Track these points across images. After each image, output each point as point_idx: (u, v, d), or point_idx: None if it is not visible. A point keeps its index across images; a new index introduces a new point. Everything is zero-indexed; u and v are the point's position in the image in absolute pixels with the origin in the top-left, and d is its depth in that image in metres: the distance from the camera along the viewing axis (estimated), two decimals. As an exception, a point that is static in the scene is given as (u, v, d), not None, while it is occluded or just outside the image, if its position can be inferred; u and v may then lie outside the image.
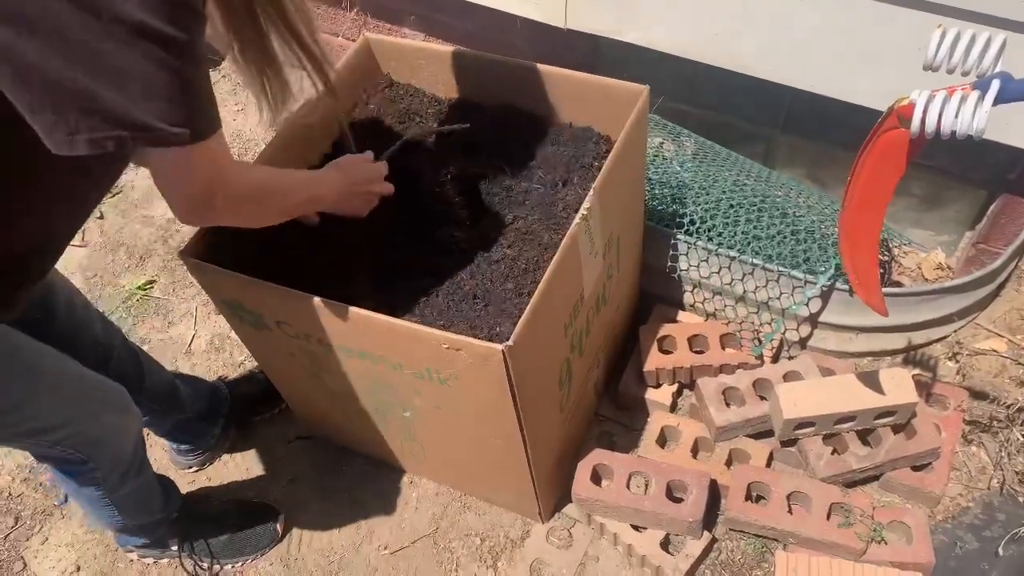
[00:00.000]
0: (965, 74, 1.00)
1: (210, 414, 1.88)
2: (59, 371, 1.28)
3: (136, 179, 2.61)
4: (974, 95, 0.94)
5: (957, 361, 1.89)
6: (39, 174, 1.01)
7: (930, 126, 0.97)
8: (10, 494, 1.94)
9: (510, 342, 1.19)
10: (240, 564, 1.76)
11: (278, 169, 1.34)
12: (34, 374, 1.22)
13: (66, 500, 1.92)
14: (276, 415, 1.99)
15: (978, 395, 1.82)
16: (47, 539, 1.86)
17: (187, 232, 2.43)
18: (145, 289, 2.31)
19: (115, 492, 1.48)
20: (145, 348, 2.14)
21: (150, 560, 1.78)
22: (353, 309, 1.28)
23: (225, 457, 1.95)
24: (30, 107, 0.86)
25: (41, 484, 1.95)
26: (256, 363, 2.07)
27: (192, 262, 1.38)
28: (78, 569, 1.81)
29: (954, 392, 1.79)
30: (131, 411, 1.44)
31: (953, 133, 0.96)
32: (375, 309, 1.29)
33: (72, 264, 2.37)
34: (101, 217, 2.51)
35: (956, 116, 0.94)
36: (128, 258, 2.39)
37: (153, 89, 0.86)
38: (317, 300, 1.29)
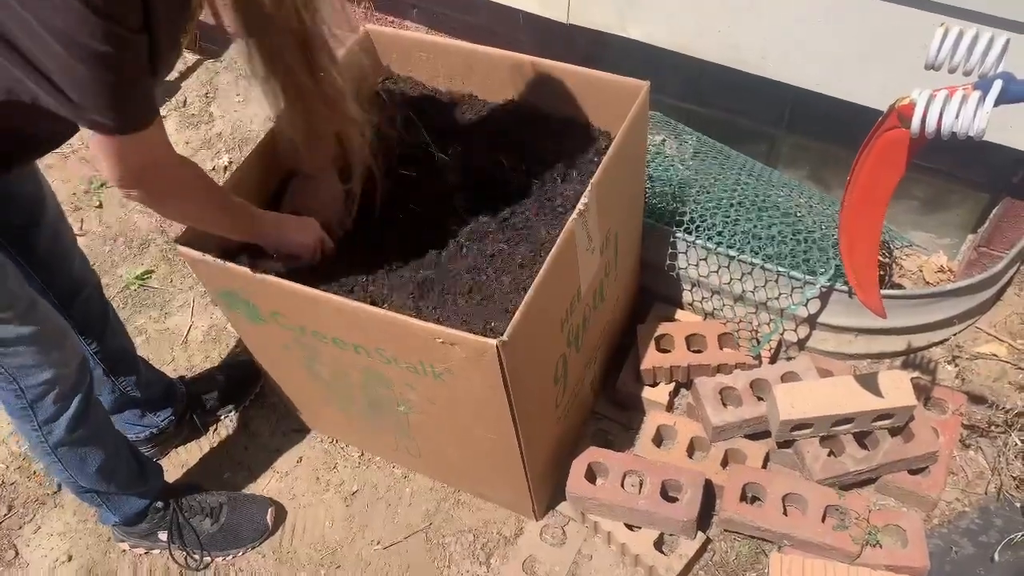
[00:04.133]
0: (967, 74, 0.99)
1: (162, 404, 1.87)
2: (2, 274, 1.30)
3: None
4: (975, 95, 0.93)
5: (957, 365, 1.88)
6: None
7: (930, 126, 0.95)
8: (3, 482, 1.94)
9: (504, 337, 1.18)
10: (231, 556, 1.75)
11: (211, 182, 1.33)
12: None
13: (59, 488, 1.91)
14: (232, 416, 2.00)
15: (977, 399, 1.81)
16: (39, 528, 1.86)
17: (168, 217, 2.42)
18: (143, 279, 2.30)
19: (52, 436, 1.47)
20: (142, 339, 2.15)
21: (141, 551, 1.77)
22: (348, 301, 1.27)
23: (217, 448, 1.94)
24: None
25: (35, 472, 1.95)
26: (224, 360, 2.11)
27: (188, 252, 1.38)
28: (69, 559, 1.81)
29: (953, 396, 1.78)
30: (68, 345, 1.43)
31: (953, 134, 0.95)
32: (370, 302, 1.28)
33: (70, 253, 2.37)
34: (100, 206, 2.51)
35: (957, 116, 0.93)
36: (126, 248, 2.39)
37: (85, 87, 0.94)
38: (312, 292, 1.29)
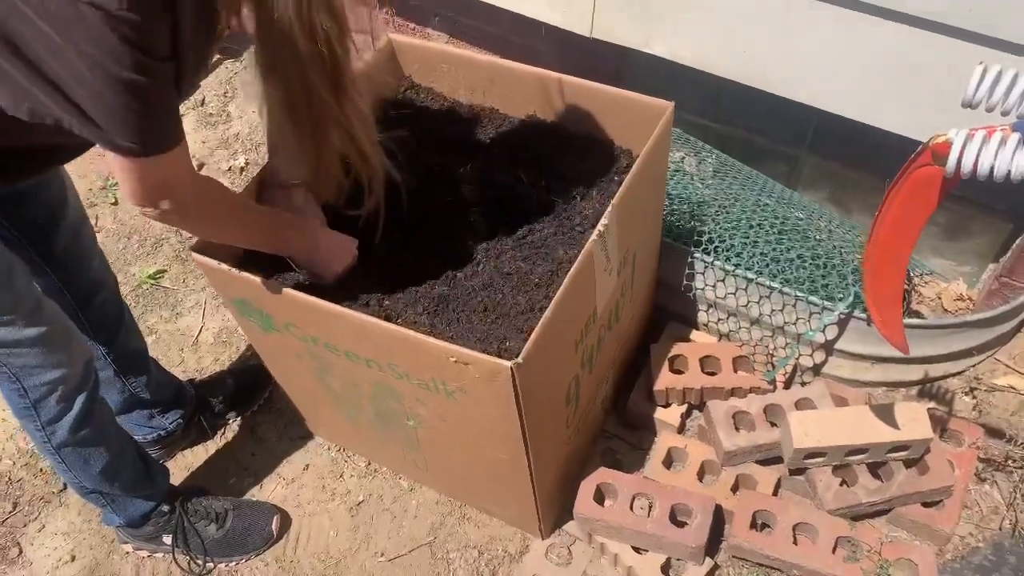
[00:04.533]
0: (1005, 114, 0.96)
1: (171, 406, 1.86)
2: (9, 274, 1.29)
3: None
4: (1014, 137, 0.91)
5: (974, 396, 1.85)
6: None
7: (966, 167, 0.93)
8: (10, 479, 1.93)
9: (519, 359, 1.16)
10: (234, 563, 1.75)
11: (241, 197, 1.34)
12: None
13: (65, 487, 1.91)
14: (240, 421, 1.99)
15: (994, 432, 1.78)
16: (44, 526, 1.85)
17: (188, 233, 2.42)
18: (155, 279, 2.30)
19: (56, 436, 1.46)
20: (152, 339, 2.14)
21: (144, 553, 1.76)
22: (362, 316, 1.26)
23: (224, 452, 1.94)
24: None
25: (41, 470, 1.94)
26: (235, 363, 2.10)
27: (202, 259, 1.37)
28: (73, 559, 1.80)
29: (970, 428, 1.75)
30: (73, 345, 1.43)
31: (990, 175, 0.93)
32: (384, 317, 1.27)
33: (84, 249, 2.36)
34: (115, 203, 2.51)
35: (995, 158, 0.91)
36: (140, 246, 2.39)
37: (112, 113, 0.94)
38: (327, 305, 1.27)
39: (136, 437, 1.83)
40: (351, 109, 1.16)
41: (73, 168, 2.61)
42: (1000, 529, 1.67)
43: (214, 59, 2.85)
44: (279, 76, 1.09)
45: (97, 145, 1.02)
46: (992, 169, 0.92)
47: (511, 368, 1.16)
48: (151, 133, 1.00)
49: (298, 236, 1.36)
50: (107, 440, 1.56)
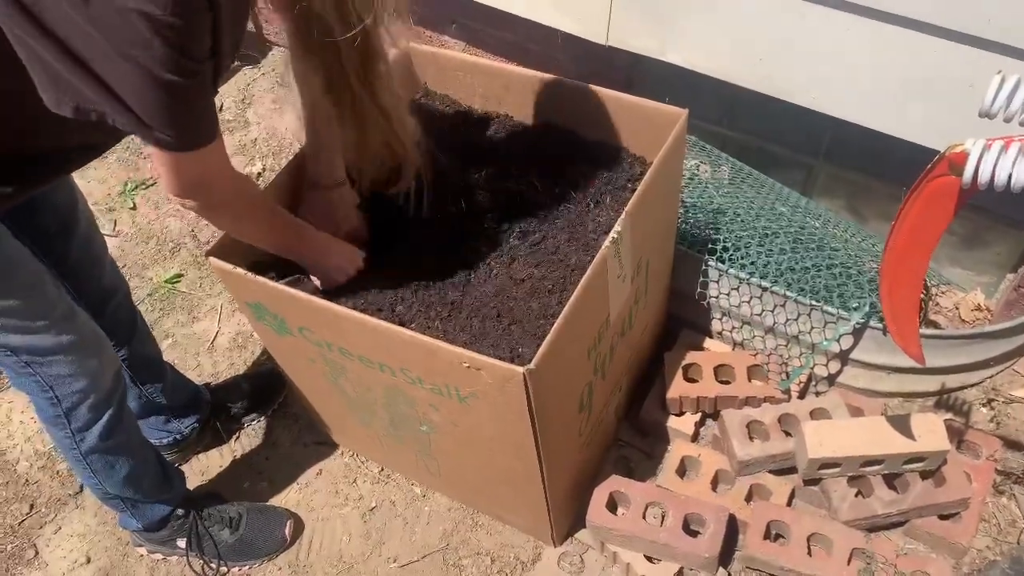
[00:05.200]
0: (1023, 124, 0.96)
1: (186, 411, 1.87)
2: (42, 283, 1.31)
3: (170, 171, 2.62)
4: (1032, 147, 0.90)
5: (992, 408, 1.83)
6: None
7: (983, 177, 0.93)
8: (27, 481, 1.95)
9: (532, 365, 1.16)
10: (247, 567, 1.75)
11: (265, 199, 1.37)
12: (13, 271, 1.26)
13: (81, 489, 1.92)
14: (255, 426, 2.00)
15: (1012, 444, 1.76)
16: (60, 528, 1.87)
17: (219, 231, 2.43)
18: (172, 283, 2.32)
19: (84, 443, 1.48)
20: (168, 342, 2.16)
21: (159, 557, 1.78)
22: (376, 321, 1.26)
23: (238, 457, 1.95)
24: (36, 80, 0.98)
25: (58, 472, 1.96)
26: (250, 367, 2.11)
27: (218, 263, 1.38)
28: (88, 560, 1.81)
29: (987, 440, 1.73)
30: (105, 354, 1.44)
31: (1007, 185, 0.92)
32: (397, 322, 1.27)
33: (102, 253, 2.39)
34: (134, 208, 2.53)
35: (1012, 169, 0.90)
36: (158, 251, 2.41)
37: (155, 111, 0.97)
38: (340, 310, 1.28)
39: (152, 441, 1.84)
40: (387, 96, 1.21)
41: (94, 173, 2.65)
42: (1018, 543, 1.65)
43: (233, 65, 2.87)
44: (318, 60, 1.14)
45: (139, 140, 1.06)
46: (1009, 180, 0.91)
47: (524, 374, 1.16)
48: (190, 129, 1.03)
49: (312, 243, 1.39)
50: (132, 446, 1.57)
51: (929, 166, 1.03)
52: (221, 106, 2.75)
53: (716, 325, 1.90)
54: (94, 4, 0.86)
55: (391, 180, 1.46)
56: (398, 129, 1.31)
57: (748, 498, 1.69)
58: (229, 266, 1.36)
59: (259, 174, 2.57)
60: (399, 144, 1.34)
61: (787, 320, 1.77)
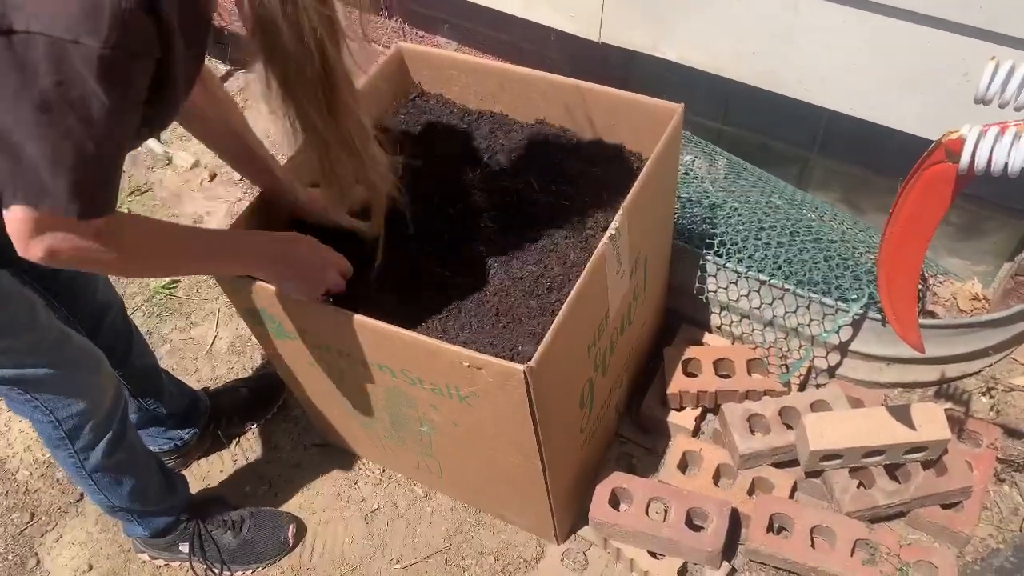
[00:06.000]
0: (1018, 109, 0.96)
1: (186, 418, 1.87)
2: (32, 312, 1.27)
3: (165, 177, 2.62)
4: (1028, 132, 0.90)
5: (991, 396, 1.84)
6: None
7: (980, 163, 0.93)
8: (27, 489, 1.94)
9: (532, 363, 1.16)
10: (250, 571, 1.75)
11: (176, 227, 1.23)
12: (3, 304, 1.22)
13: (81, 497, 1.92)
14: (254, 430, 1.99)
15: (1012, 433, 1.77)
16: (61, 536, 1.86)
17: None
18: (169, 289, 2.31)
19: (88, 462, 1.47)
20: (167, 348, 2.15)
21: (161, 562, 1.77)
22: (375, 322, 1.26)
23: (240, 462, 1.94)
24: None
25: (58, 480, 1.95)
26: (249, 372, 2.10)
27: (215, 268, 1.37)
28: (90, 568, 1.81)
29: (987, 429, 1.73)
30: (103, 373, 1.42)
31: (1004, 171, 0.92)
32: (397, 323, 1.27)
33: (98, 260, 2.38)
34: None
35: (1008, 154, 0.90)
36: (154, 256, 2.40)
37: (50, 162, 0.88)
38: (339, 312, 1.28)
39: (152, 449, 1.84)
40: (353, 128, 1.10)
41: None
42: (1020, 530, 1.65)
43: (225, 71, 2.87)
44: (277, 81, 1.02)
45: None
46: (1006, 165, 0.91)
47: (524, 372, 1.16)
48: (92, 192, 0.92)
49: (258, 246, 1.26)
50: (136, 460, 1.57)
51: (925, 153, 1.03)
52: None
53: (715, 319, 1.90)
54: None
55: (365, 213, 1.36)
56: (367, 163, 1.19)
57: (750, 491, 1.69)
58: (226, 269, 1.36)
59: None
60: (366, 179, 1.22)
61: (786, 313, 1.77)
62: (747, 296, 1.79)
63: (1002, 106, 0.97)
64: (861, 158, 1.99)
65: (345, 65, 1.03)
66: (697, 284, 1.83)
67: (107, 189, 0.95)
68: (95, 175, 0.92)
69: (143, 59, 0.88)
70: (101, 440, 1.46)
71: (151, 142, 2.66)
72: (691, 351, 1.84)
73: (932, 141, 1.03)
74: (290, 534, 1.76)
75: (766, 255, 1.78)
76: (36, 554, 1.84)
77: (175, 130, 2.76)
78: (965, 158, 0.94)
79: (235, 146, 1.42)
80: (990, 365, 1.88)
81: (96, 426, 1.44)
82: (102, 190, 0.94)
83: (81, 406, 1.39)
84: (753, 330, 1.85)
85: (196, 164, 2.64)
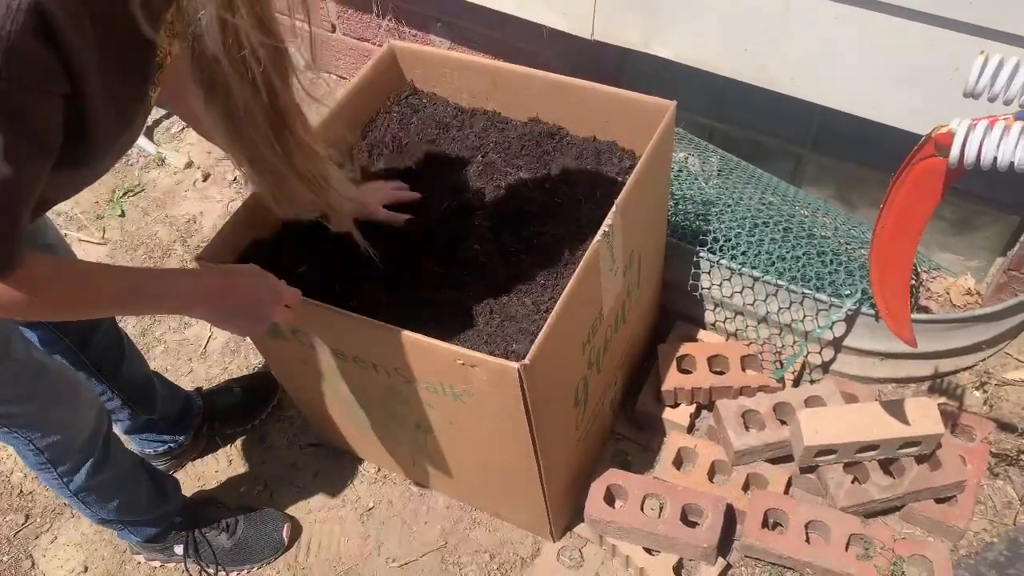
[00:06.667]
0: (1007, 103, 0.96)
1: (179, 421, 1.86)
2: (7, 347, 1.22)
3: (158, 178, 2.61)
4: (1017, 126, 0.90)
5: (985, 391, 1.84)
6: None
7: (970, 157, 0.93)
8: (21, 492, 1.94)
9: (526, 360, 1.16)
10: (246, 571, 1.74)
11: (91, 266, 1.13)
12: None
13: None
14: (248, 430, 1.98)
15: (1006, 427, 1.77)
16: (56, 538, 1.86)
17: (207, 233, 2.43)
18: (163, 289, 2.30)
19: (73, 483, 1.46)
20: (160, 349, 2.15)
21: (156, 564, 1.77)
22: (368, 321, 1.26)
23: (234, 462, 1.94)
24: None
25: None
26: (243, 372, 2.10)
27: (206, 267, 1.37)
28: (85, 569, 1.80)
29: (981, 423, 1.74)
30: (82, 400, 1.40)
31: (993, 164, 0.92)
32: (390, 321, 1.27)
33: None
34: (122, 215, 2.52)
35: (998, 147, 0.91)
36: (147, 258, 2.39)
37: None
38: (333, 310, 1.28)
39: (146, 451, 1.84)
40: (305, 161, 1.02)
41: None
42: (1014, 524, 1.66)
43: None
44: (222, 112, 0.93)
45: None
46: (995, 159, 0.92)
47: (518, 370, 1.16)
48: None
49: (181, 294, 1.11)
50: (123, 476, 1.56)
51: (915, 148, 1.03)
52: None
53: (709, 316, 1.91)
54: None
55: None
56: (328, 196, 1.11)
57: (745, 487, 1.70)
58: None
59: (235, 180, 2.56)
60: (327, 206, 1.15)
61: (779, 309, 1.77)
62: (741, 292, 1.80)
63: (991, 100, 0.97)
64: (854, 154, 1.99)
65: (295, 99, 0.95)
66: (691, 281, 1.83)
67: (10, 240, 0.85)
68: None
69: (38, 93, 0.78)
70: (84, 464, 1.45)
71: (143, 141, 2.65)
72: (685, 348, 1.84)
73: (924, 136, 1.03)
74: (284, 534, 1.76)
75: (760, 251, 1.78)
76: (31, 556, 1.84)
77: (168, 130, 2.76)
78: (955, 152, 0.94)
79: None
80: (983, 360, 1.88)
81: (78, 451, 1.42)
82: (4, 242, 0.84)
83: (60, 435, 1.37)
84: (747, 326, 1.86)
85: (189, 164, 2.63)
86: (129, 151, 2.63)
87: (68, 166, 0.90)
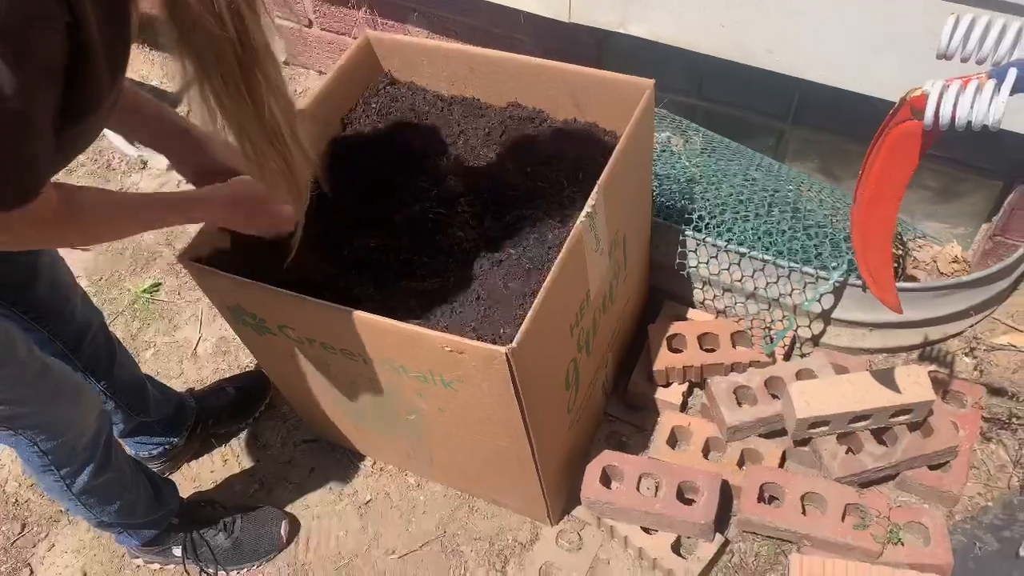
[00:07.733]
0: (980, 63, 0.96)
1: (173, 423, 1.85)
2: (11, 347, 1.24)
3: (141, 181, 2.60)
4: (990, 84, 0.90)
5: (974, 357, 1.85)
6: None
7: (944, 117, 0.93)
8: (16, 500, 1.93)
9: (514, 344, 1.16)
10: (246, 570, 1.74)
11: (114, 195, 1.21)
12: None
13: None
14: (242, 429, 1.98)
15: (996, 391, 1.78)
16: (53, 545, 1.85)
17: (192, 234, 2.41)
18: (151, 292, 2.29)
19: (75, 485, 1.46)
20: (151, 352, 2.14)
21: (156, 566, 1.76)
22: (355, 312, 1.25)
23: (230, 462, 1.93)
24: None
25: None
26: (234, 371, 2.09)
27: (192, 266, 1.37)
28: (84, 575, 1.80)
29: (972, 389, 1.75)
30: (84, 401, 1.41)
31: (968, 124, 0.92)
32: (378, 312, 1.27)
33: (77, 267, 2.35)
34: (106, 220, 2.50)
35: (971, 107, 0.91)
36: (134, 261, 2.38)
37: None
38: (319, 303, 1.27)
39: (141, 454, 1.83)
40: (279, 103, 1.00)
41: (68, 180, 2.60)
42: (1008, 487, 1.67)
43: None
44: (189, 53, 0.92)
45: None
46: (970, 119, 0.92)
47: (506, 354, 1.16)
48: (14, 180, 0.87)
49: (200, 204, 1.25)
50: (123, 478, 1.55)
51: (891, 112, 1.03)
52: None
53: (698, 294, 1.91)
54: None
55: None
56: (293, 154, 1.07)
57: (740, 463, 1.70)
58: (201, 267, 1.35)
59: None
60: (291, 176, 1.10)
61: (767, 284, 1.77)
62: (728, 269, 1.80)
63: (964, 60, 0.97)
64: (836, 126, 1.99)
65: (267, 39, 0.94)
66: (678, 260, 1.83)
67: (36, 168, 0.88)
68: (14, 159, 0.85)
69: (43, 22, 0.79)
70: (87, 466, 1.45)
71: (123, 145, 2.64)
72: (675, 327, 1.84)
73: (902, 103, 1.03)
74: (283, 532, 1.76)
75: (745, 228, 1.78)
76: (29, 564, 1.83)
77: (149, 133, 2.74)
78: (929, 113, 0.94)
79: (152, 123, 1.33)
80: (972, 326, 1.89)
81: (80, 453, 1.42)
82: (29, 171, 0.88)
83: (64, 437, 1.37)
84: (736, 303, 1.86)
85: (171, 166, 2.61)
86: (110, 156, 2.62)
87: (69, 121, 0.92)
